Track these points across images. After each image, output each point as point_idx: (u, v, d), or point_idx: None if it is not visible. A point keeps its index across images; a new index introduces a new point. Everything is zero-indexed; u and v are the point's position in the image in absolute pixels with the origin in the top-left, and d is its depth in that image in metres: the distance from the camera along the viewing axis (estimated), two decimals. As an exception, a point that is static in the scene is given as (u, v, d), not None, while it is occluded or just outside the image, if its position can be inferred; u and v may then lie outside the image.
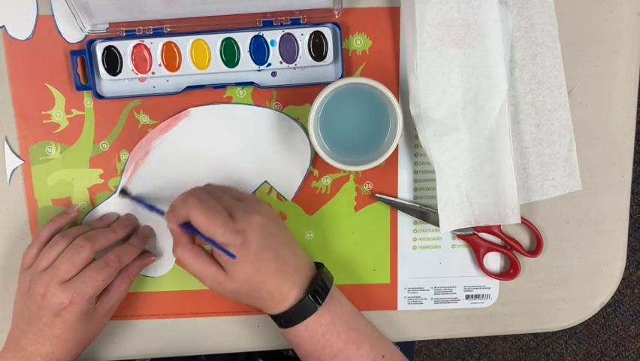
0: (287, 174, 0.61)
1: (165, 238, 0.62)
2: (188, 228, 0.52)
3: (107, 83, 0.59)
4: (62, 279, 0.53)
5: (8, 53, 0.58)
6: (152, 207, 0.58)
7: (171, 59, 0.58)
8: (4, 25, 0.58)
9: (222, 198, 0.53)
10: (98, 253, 0.56)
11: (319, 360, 0.55)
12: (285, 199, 0.61)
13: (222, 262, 0.51)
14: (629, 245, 0.65)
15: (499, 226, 0.62)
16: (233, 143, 0.60)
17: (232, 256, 0.50)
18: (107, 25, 0.56)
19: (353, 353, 0.54)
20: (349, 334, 0.55)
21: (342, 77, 0.58)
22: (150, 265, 0.62)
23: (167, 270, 0.62)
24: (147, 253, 0.61)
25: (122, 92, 0.59)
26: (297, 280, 0.54)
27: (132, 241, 0.59)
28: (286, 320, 0.54)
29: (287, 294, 0.53)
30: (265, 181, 0.61)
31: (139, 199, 0.60)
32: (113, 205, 0.61)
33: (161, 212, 0.57)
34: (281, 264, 0.53)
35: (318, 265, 0.57)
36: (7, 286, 0.62)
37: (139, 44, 0.57)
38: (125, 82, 0.59)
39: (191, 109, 0.60)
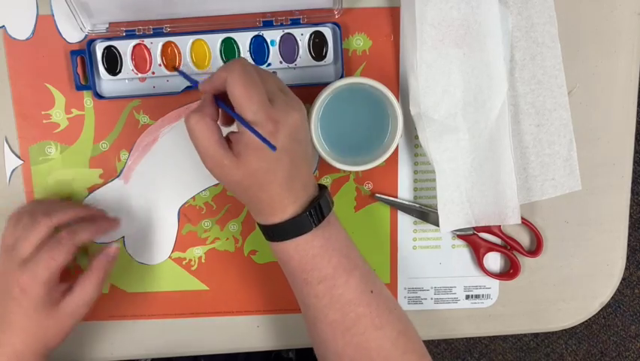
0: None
1: (152, 228, 0.62)
2: (221, 104, 0.47)
3: (106, 83, 0.59)
4: (21, 258, 0.51)
5: (8, 53, 0.58)
6: (187, 76, 0.53)
7: (171, 59, 0.58)
8: (4, 25, 0.58)
9: (268, 81, 0.48)
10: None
11: (305, 283, 0.51)
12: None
13: (236, 146, 0.47)
14: (629, 245, 0.65)
15: (499, 226, 0.62)
16: None
17: (272, 146, 0.45)
18: (107, 25, 0.56)
19: (341, 282, 0.51)
20: (340, 261, 0.51)
21: (342, 77, 0.58)
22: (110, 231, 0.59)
23: (163, 258, 0.62)
24: (105, 219, 0.58)
25: (122, 92, 0.59)
26: (301, 196, 0.50)
27: (95, 219, 0.57)
28: (277, 232, 0.50)
29: (286, 207, 0.49)
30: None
31: (182, 72, 0.55)
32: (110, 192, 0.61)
33: (194, 82, 0.51)
34: (293, 174, 0.49)
35: (322, 187, 0.53)
36: (7, 286, 0.62)
37: (139, 44, 0.57)
38: (125, 82, 0.59)
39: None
